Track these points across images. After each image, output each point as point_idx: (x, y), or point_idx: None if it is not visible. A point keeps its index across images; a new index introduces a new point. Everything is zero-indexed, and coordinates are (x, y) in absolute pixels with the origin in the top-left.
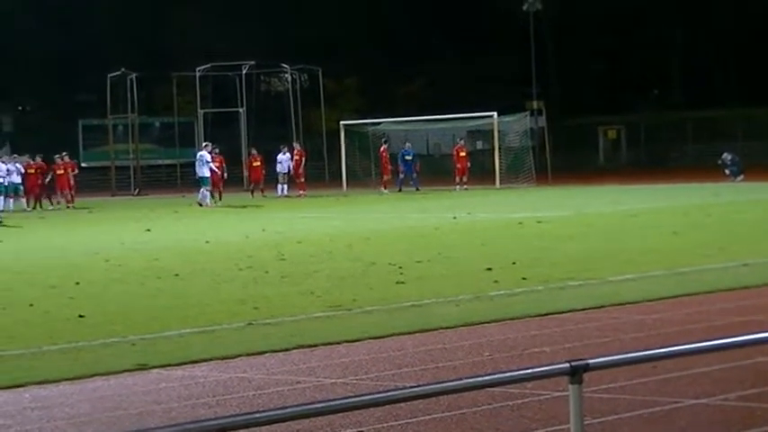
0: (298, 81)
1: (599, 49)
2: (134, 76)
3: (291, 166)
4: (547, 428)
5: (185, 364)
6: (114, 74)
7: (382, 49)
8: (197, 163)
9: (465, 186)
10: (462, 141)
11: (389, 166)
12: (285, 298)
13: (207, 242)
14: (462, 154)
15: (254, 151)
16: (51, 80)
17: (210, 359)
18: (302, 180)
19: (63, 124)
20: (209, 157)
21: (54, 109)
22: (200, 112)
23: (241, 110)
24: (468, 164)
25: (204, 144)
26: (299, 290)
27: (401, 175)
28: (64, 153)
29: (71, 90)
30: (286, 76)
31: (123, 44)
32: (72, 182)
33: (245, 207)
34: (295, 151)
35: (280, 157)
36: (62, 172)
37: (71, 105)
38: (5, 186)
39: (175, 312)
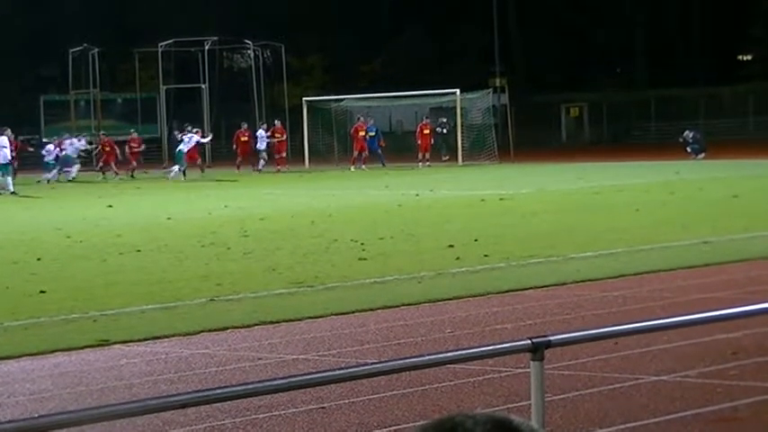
0: (260, 57)
1: (562, 26)
2: (96, 51)
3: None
4: (508, 405)
5: (147, 339)
6: (76, 49)
7: (346, 26)
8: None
9: (428, 163)
10: (428, 119)
11: (364, 144)
12: (247, 274)
13: (169, 218)
14: (426, 131)
15: (244, 125)
16: (13, 55)
17: (172, 335)
18: (282, 156)
19: (25, 100)
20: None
21: (15, 84)
22: (163, 87)
23: (203, 86)
24: (432, 141)
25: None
26: (262, 266)
27: (364, 153)
28: (102, 132)
29: (33, 65)
30: (249, 52)
31: (86, 19)
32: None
33: (204, 183)
34: (277, 128)
35: (260, 132)
36: (109, 149)
37: (33, 81)
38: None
39: (137, 288)
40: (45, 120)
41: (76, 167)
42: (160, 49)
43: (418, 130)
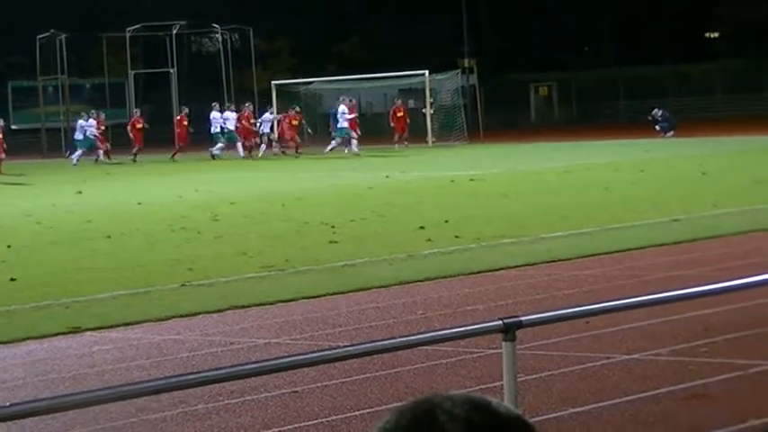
0: (229, 41)
1: (530, 6)
2: (63, 37)
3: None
4: (481, 386)
5: (119, 326)
6: (44, 35)
7: (314, 9)
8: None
9: (406, 143)
10: (400, 101)
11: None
12: (219, 259)
13: (139, 203)
14: (400, 114)
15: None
16: None
17: (144, 321)
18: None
19: None
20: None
21: None
22: (131, 73)
23: (172, 70)
24: (408, 121)
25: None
26: (233, 250)
27: (333, 133)
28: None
29: (0, 52)
30: (217, 36)
31: (53, 5)
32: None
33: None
34: (291, 116)
35: (266, 116)
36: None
37: (0, 67)
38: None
39: (108, 274)
40: (13, 106)
41: (220, 145)
42: (128, 35)
43: (392, 113)
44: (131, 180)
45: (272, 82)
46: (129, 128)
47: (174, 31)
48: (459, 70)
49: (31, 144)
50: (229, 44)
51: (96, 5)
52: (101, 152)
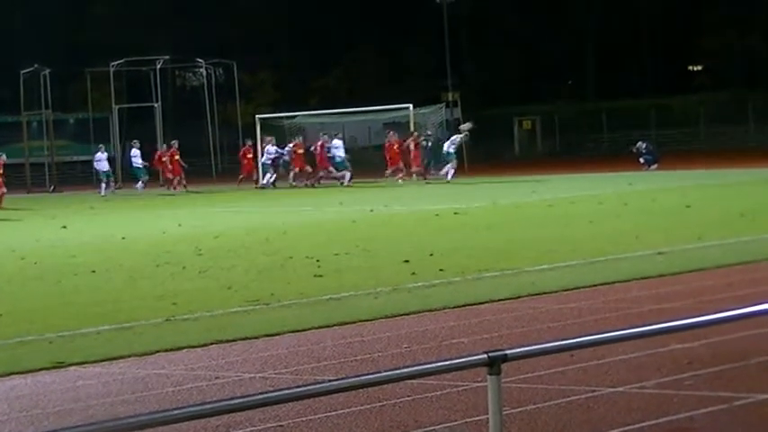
0: (213, 75)
1: (513, 39)
2: (47, 72)
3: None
4: (466, 419)
5: (103, 361)
6: (27, 70)
7: (297, 43)
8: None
9: (399, 177)
10: (394, 135)
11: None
12: (203, 293)
13: (123, 238)
14: (396, 148)
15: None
16: None
17: (129, 356)
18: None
19: None
20: None
21: None
22: (115, 107)
23: (156, 105)
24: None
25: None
26: (217, 285)
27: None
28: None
29: None
30: (201, 70)
31: (37, 40)
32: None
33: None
34: (298, 144)
35: (276, 148)
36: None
37: None
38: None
39: (93, 309)
40: None
41: (346, 173)
42: (111, 69)
43: (386, 146)
44: (115, 215)
45: (257, 116)
46: (167, 159)
47: (158, 66)
48: (443, 104)
49: (15, 179)
50: (213, 78)
51: (79, 40)
52: (141, 183)
